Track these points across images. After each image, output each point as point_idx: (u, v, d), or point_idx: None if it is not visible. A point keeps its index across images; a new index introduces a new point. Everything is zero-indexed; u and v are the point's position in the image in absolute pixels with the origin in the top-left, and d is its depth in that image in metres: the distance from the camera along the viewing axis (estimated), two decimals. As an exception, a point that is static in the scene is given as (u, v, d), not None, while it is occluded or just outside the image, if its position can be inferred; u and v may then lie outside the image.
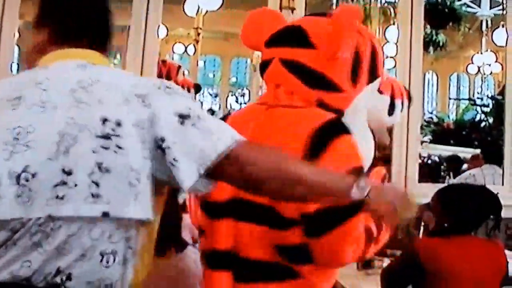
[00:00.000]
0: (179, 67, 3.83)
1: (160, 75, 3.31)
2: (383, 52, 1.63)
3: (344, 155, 1.38)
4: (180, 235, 1.80)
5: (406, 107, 1.68)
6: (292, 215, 1.37)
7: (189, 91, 3.53)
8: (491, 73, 8.04)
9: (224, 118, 1.58)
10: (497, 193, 2.26)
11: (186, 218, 1.73)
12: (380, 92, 1.59)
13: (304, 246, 1.38)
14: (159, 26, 3.17)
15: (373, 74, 1.55)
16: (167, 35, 5.54)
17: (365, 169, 1.44)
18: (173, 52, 6.96)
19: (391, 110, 1.62)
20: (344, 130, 1.41)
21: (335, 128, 1.41)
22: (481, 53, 7.92)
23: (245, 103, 8.92)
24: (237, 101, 9.24)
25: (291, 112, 1.47)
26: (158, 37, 3.23)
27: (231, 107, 8.91)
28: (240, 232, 1.42)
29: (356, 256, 1.42)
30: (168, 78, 3.45)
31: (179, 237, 1.80)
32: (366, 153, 1.51)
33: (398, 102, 1.63)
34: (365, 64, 1.52)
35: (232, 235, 1.42)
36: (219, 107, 8.96)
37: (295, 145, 1.37)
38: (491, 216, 2.24)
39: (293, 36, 1.54)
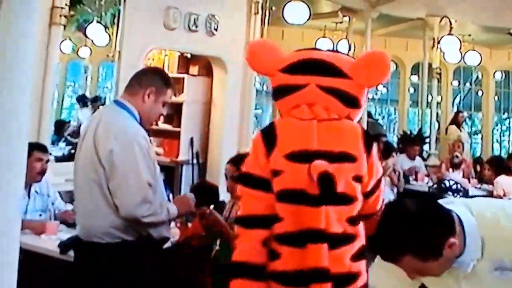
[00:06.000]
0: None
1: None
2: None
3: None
4: None
5: None
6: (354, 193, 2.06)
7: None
8: None
9: (272, 130, 2.09)
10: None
11: None
12: None
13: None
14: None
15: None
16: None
17: None
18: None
19: None
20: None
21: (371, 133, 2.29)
22: None
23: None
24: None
25: (337, 124, 2.08)
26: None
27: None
28: (329, 214, 1.98)
29: None
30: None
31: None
32: None
33: None
34: None
35: (325, 217, 1.98)
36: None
37: (356, 147, 2.04)
38: None
39: (325, 68, 2.10)
